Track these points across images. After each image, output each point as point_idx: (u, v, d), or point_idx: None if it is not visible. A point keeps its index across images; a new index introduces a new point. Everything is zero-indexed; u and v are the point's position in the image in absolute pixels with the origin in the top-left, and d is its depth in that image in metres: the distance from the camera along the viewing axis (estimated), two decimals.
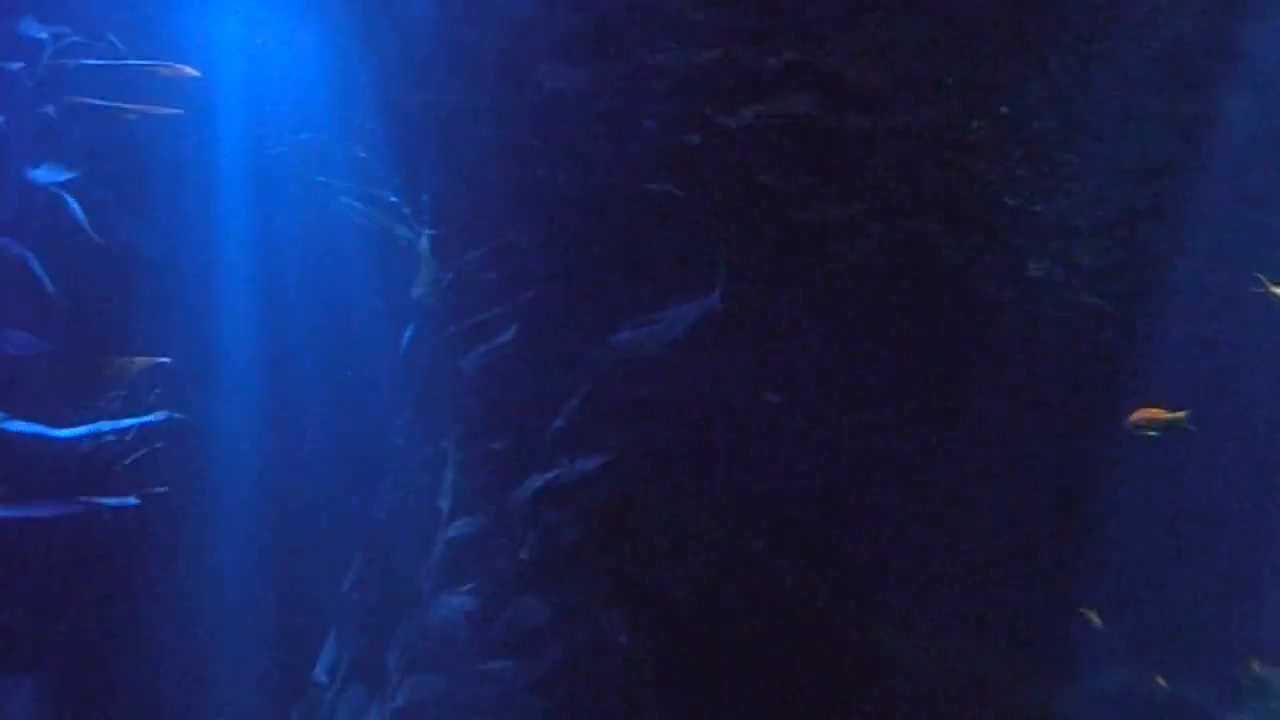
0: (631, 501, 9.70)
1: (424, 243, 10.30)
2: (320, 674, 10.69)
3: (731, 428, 9.95)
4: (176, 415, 10.99)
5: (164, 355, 10.89)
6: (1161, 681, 7.75)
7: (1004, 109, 8.42)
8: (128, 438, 10.54)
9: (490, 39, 8.18)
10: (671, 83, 8.66)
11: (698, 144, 8.88)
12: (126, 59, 10.68)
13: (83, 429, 10.49)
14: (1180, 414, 7.30)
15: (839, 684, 8.95)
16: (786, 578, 9.52)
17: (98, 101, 10.61)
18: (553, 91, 8.99)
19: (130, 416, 10.74)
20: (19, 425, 10.27)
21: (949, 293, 9.77)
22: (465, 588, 9.77)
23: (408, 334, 10.95)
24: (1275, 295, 6.99)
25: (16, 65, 10.75)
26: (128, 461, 10.53)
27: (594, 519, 9.60)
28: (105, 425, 10.61)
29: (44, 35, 10.83)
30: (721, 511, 9.72)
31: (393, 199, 10.61)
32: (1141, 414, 7.52)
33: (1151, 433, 7.41)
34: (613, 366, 9.92)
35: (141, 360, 10.78)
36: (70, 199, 10.80)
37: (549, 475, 9.80)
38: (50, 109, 10.74)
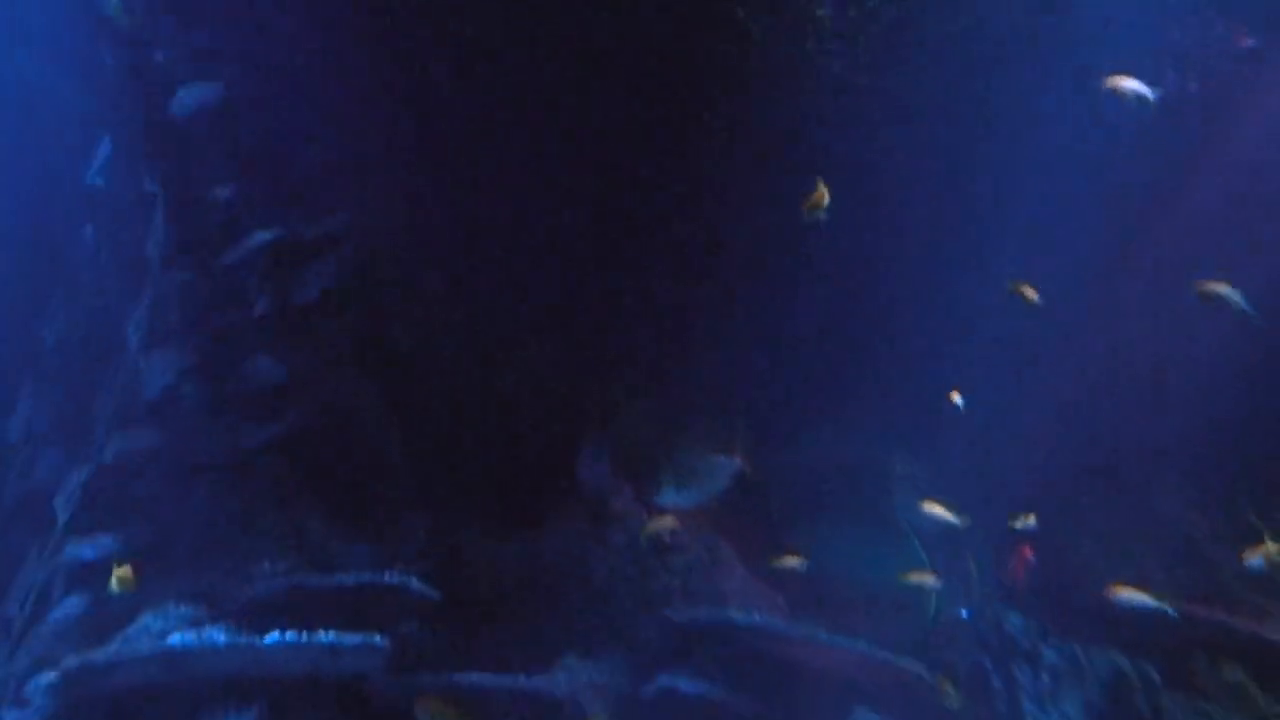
0: (374, 259, 9.33)
1: None
2: (10, 433, 9.72)
3: (473, 190, 9.72)
4: None
5: None
6: None
7: None
8: None
9: None
10: None
11: None
12: None
13: None
14: None
15: (573, 438, 9.39)
16: (525, 335, 9.60)
17: None
18: None
19: None
20: None
21: None
22: (185, 344, 9.13)
23: (104, 54, 9.38)
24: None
25: None
26: None
27: (334, 277, 9.20)
28: None
29: None
30: (465, 269, 9.55)
31: None
32: None
33: None
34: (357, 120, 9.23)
35: None
36: None
37: (283, 230, 9.16)
38: None
